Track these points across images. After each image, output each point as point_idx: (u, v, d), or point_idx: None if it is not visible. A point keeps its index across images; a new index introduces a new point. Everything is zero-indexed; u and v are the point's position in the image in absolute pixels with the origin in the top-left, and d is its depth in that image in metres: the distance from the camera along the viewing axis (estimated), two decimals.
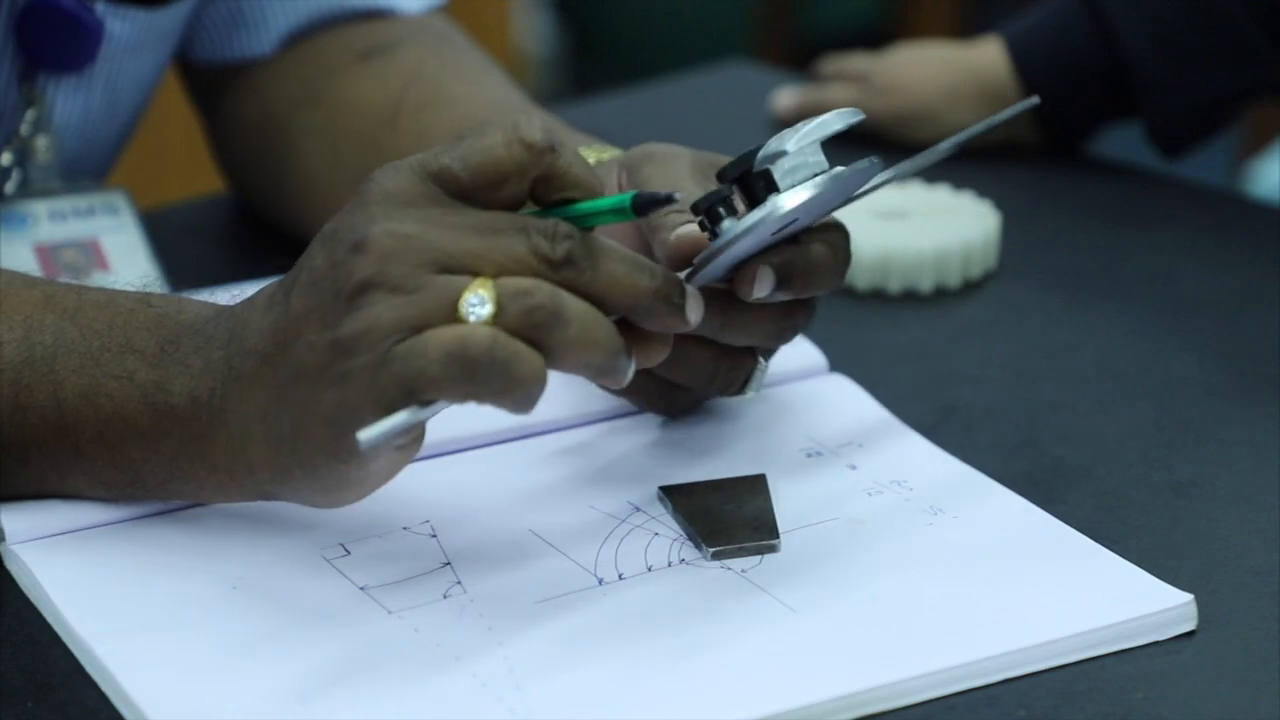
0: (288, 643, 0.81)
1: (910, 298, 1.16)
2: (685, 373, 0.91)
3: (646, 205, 0.81)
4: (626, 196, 0.81)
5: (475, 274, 0.78)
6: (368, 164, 1.08)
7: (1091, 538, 0.88)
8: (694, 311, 0.83)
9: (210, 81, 1.22)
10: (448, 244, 0.79)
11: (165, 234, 1.18)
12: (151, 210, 1.20)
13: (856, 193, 0.90)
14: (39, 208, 1.12)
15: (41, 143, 1.12)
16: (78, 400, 0.85)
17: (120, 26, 1.11)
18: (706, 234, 0.86)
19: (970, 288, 1.18)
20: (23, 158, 1.12)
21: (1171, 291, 1.18)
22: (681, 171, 0.93)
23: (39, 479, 0.87)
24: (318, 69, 1.17)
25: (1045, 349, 1.10)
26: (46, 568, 0.85)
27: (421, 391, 0.77)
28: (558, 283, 0.79)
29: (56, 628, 0.83)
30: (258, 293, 0.84)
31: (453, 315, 0.78)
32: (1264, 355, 1.08)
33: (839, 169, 0.86)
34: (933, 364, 1.08)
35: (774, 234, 0.86)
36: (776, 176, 0.85)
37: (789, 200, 0.84)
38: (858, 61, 1.45)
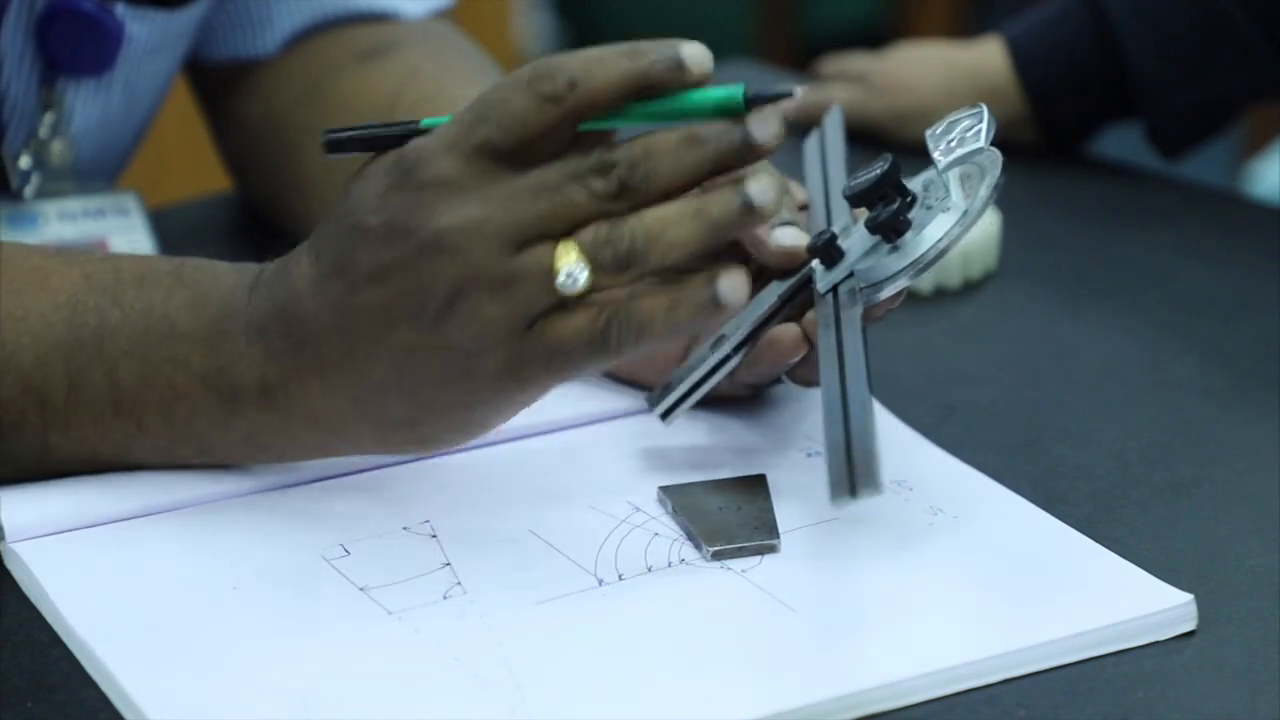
0: (288, 643, 0.81)
1: (911, 298, 1.16)
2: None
3: (759, 101, 0.81)
4: (738, 90, 0.81)
5: (551, 238, 0.80)
6: (362, 161, 1.08)
7: (1091, 538, 0.88)
8: (769, 133, 0.82)
9: (216, 81, 1.22)
10: (518, 220, 0.80)
11: (171, 233, 1.18)
12: (155, 209, 1.20)
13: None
14: (49, 208, 1.13)
15: (58, 146, 1.12)
16: (135, 383, 0.86)
17: (139, 28, 1.12)
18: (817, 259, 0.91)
19: (970, 288, 1.18)
20: (41, 161, 1.13)
21: (1171, 291, 1.18)
22: None
23: (93, 455, 0.88)
24: (319, 69, 1.17)
25: (1045, 349, 1.10)
26: (46, 568, 0.85)
27: (566, 376, 0.82)
28: (626, 209, 0.80)
29: (56, 628, 0.83)
30: (284, 268, 0.85)
31: (552, 292, 0.80)
32: (1264, 355, 1.08)
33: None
34: (933, 364, 1.08)
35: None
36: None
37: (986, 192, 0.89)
38: (858, 61, 1.45)
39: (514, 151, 0.80)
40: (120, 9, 1.10)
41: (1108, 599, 0.83)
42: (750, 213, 0.80)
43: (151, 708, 0.77)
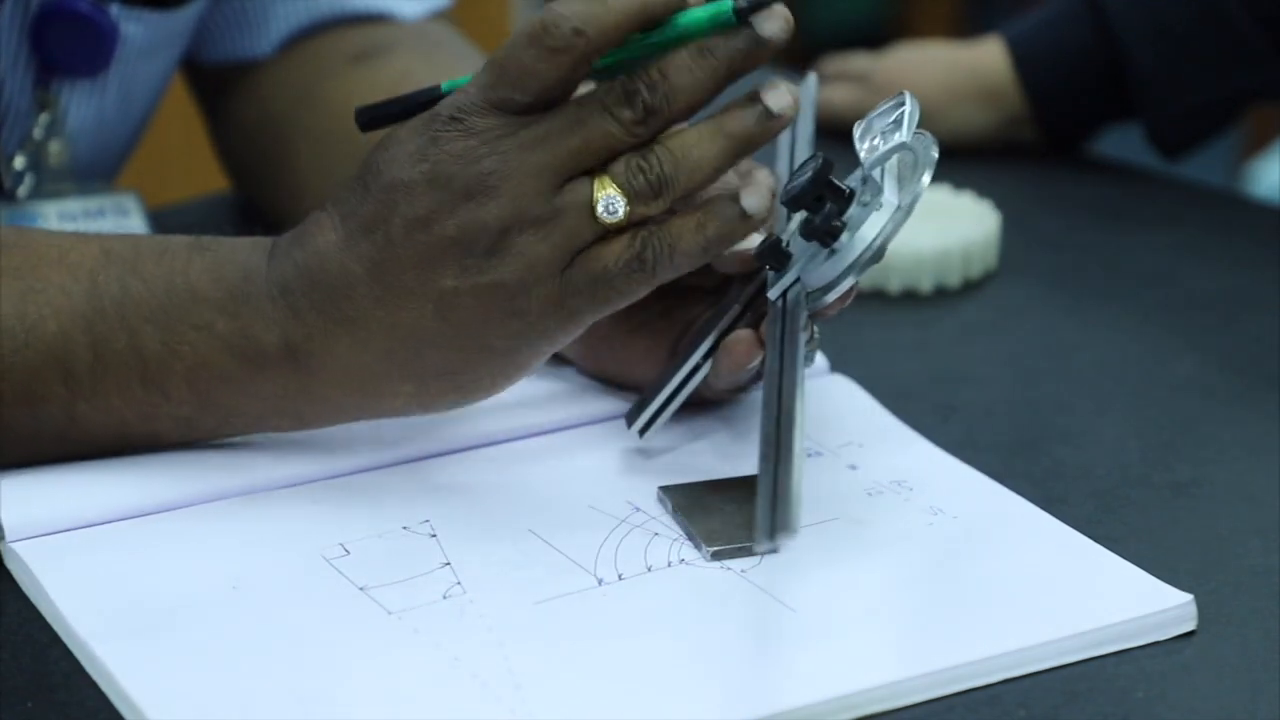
0: (288, 643, 0.81)
1: (910, 298, 1.16)
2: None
3: (750, 11, 0.85)
4: (726, 4, 0.85)
5: (587, 173, 0.84)
6: (354, 166, 1.09)
7: (1091, 538, 0.88)
8: (775, 27, 0.86)
9: (213, 82, 1.22)
10: (554, 158, 0.84)
11: (171, 233, 1.17)
12: (155, 209, 1.20)
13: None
14: (49, 209, 1.13)
15: (55, 147, 1.12)
16: (159, 350, 0.87)
17: (134, 29, 1.12)
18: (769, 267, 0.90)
19: (970, 288, 1.18)
20: (36, 161, 1.13)
21: (1171, 291, 1.18)
22: None
23: (120, 425, 0.89)
24: (313, 71, 1.17)
25: (1045, 349, 1.10)
26: (46, 567, 0.85)
27: (608, 304, 0.85)
28: (653, 134, 0.85)
29: (56, 628, 0.83)
30: (304, 234, 0.88)
31: (594, 223, 0.84)
32: (1264, 355, 1.08)
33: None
34: (933, 364, 1.08)
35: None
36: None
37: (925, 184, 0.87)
38: (858, 61, 1.45)
39: (534, 103, 0.84)
40: (115, 9, 1.10)
41: (1108, 599, 0.83)
42: (770, 119, 0.85)
43: (151, 708, 0.77)
